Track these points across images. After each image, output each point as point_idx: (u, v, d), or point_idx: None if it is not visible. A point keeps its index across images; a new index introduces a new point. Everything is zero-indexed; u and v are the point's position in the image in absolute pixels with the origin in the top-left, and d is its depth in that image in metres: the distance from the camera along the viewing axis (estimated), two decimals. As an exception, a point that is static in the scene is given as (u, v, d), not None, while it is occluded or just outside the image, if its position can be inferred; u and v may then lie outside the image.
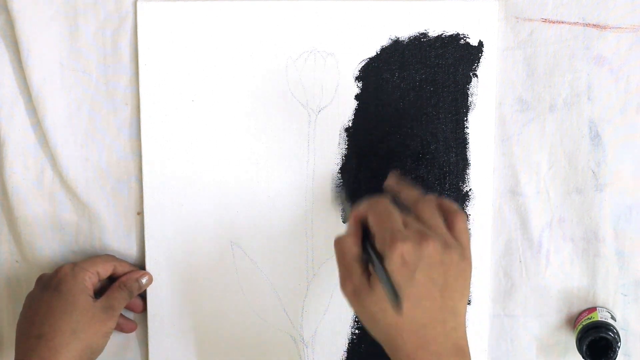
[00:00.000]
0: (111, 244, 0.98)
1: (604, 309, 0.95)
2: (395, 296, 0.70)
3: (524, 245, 0.95)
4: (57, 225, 0.98)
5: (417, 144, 0.94)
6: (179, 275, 0.98)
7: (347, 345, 0.98)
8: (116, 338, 0.99)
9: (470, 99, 0.93)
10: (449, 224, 0.78)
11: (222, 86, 0.94)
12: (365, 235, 0.77)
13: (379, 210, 0.77)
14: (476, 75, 0.93)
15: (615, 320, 0.94)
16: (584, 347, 0.92)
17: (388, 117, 0.94)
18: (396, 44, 0.93)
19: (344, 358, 0.99)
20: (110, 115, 0.96)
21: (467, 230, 0.80)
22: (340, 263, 0.78)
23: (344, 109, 0.94)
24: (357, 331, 0.98)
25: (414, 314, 0.73)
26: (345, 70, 0.94)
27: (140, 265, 0.98)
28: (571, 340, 0.95)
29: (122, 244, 0.98)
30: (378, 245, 0.74)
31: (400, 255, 0.72)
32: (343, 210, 0.95)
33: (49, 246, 0.98)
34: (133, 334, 1.00)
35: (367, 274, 0.76)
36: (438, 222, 0.78)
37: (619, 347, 0.91)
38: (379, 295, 0.74)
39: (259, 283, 0.98)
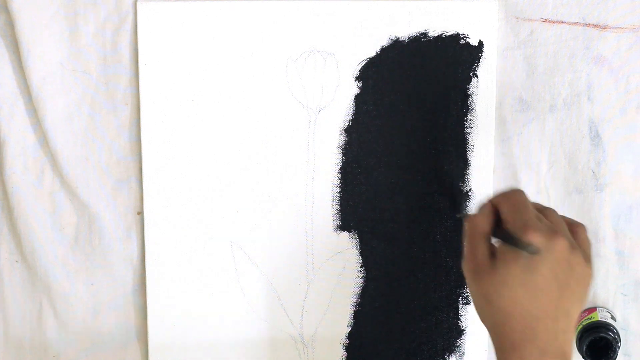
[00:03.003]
0: (111, 244, 0.98)
1: (604, 309, 0.95)
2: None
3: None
4: (57, 225, 0.98)
5: (417, 144, 0.94)
6: (179, 275, 0.98)
7: (346, 345, 0.98)
8: (116, 338, 0.99)
9: (470, 99, 0.93)
10: (573, 234, 0.78)
11: (222, 86, 0.94)
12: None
13: (514, 200, 0.76)
14: (476, 75, 0.93)
15: (615, 320, 0.94)
16: (584, 347, 0.92)
17: (388, 117, 0.94)
18: (396, 44, 0.93)
19: (344, 358, 0.99)
20: (110, 115, 0.96)
21: (590, 242, 0.80)
22: (469, 240, 0.76)
23: (344, 109, 0.94)
24: (356, 331, 0.98)
25: (529, 304, 0.72)
26: (345, 70, 0.94)
27: (139, 266, 0.98)
28: (571, 340, 0.95)
29: (122, 244, 0.98)
30: (511, 230, 0.73)
31: (531, 243, 0.71)
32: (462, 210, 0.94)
33: (49, 246, 0.97)
34: (133, 334, 1.00)
35: (492, 255, 0.75)
36: (565, 227, 0.78)
37: (619, 347, 0.92)
38: (499, 278, 0.73)
39: (259, 283, 0.98)
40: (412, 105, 0.94)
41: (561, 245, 0.73)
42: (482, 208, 0.77)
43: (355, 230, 0.96)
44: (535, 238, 0.72)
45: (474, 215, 0.77)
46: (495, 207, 0.76)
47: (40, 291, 0.99)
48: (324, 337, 0.98)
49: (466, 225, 0.77)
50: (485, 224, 0.76)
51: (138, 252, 0.98)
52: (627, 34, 0.91)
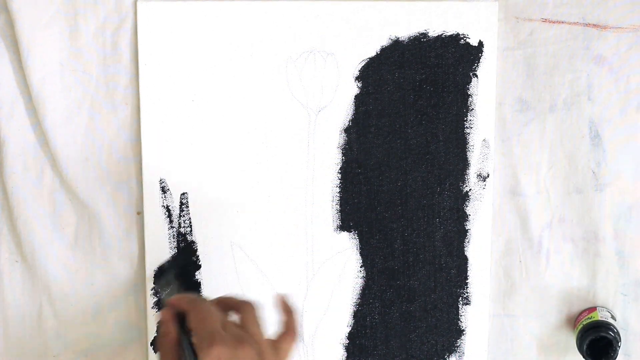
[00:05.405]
0: (111, 244, 0.98)
1: (604, 309, 0.95)
2: None
3: (524, 245, 0.95)
4: (57, 225, 0.98)
5: (417, 144, 0.94)
6: (179, 275, 0.97)
7: (346, 345, 0.98)
8: (116, 338, 0.99)
9: (470, 99, 0.93)
10: (242, 312, 0.79)
11: (222, 86, 0.94)
12: (182, 328, 0.78)
13: (200, 309, 0.78)
14: (476, 76, 0.93)
15: (616, 320, 0.94)
16: (585, 347, 0.92)
17: (388, 117, 0.94)
18: (396, 44, 0.93)
19: (344, 358, 0.99)
20: (110, 115, 0.96)
21: (260, 321, 0.81)
22: (161, 347, 0.78)
23: (344, 109, 0.94)
24: (356, 331, 0.98)
25: None
26: (345, 70, 0.94)
27: (139, 265, 0.98)
28: (571, 340, 0.95)
29: (122, 244, 0.98)
30: (196, 343, 0.75)
31: (216, 357, 0.73)
32: (166, 290, 0.92)
33: (49, 246, 0.97)
34: (133, 334, 1.00)
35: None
36: (257, 330, 0.79)
37: (619, 347, 0.92)
38: None
39: (259, 283, 0.98)
40: (412, 106, 0.94)
41: (246, 354, 0.74)
42: (165, 313, 0.79)
43: (355, 230, 0.96)
44: (219, 351, 0.73)
45: (164, 321, 0.78)
46: (180, 312, 0.78)
47: (40, 291, 0.99)
48: (324, 337, 0.98)
49: (160, 327, 0.79)
50: (172, 331, 0.78)
51: (138, 252, 0.98)
52: (627, 34, 0.91)
